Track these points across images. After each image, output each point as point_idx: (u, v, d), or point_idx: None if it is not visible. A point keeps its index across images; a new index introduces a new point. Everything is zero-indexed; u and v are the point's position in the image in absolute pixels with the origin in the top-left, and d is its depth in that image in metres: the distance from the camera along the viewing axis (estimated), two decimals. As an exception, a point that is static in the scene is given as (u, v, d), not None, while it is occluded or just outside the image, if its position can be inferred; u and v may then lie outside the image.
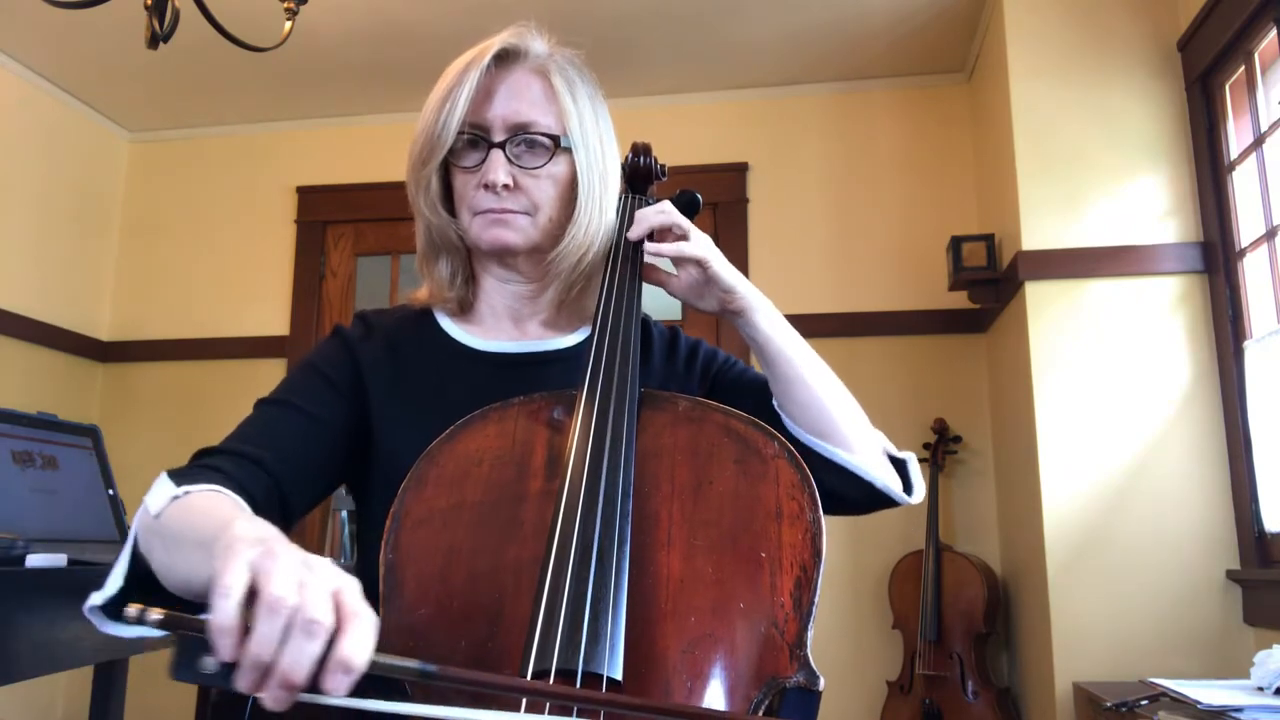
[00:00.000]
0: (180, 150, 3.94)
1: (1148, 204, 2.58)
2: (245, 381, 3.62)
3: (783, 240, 3.45)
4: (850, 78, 3.48)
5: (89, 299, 3.76)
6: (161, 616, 0.57)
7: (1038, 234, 2.62)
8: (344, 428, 1.01)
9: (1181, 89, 2.60)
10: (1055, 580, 2.45)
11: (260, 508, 0.89)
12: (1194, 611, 2.35)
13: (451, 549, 0.81)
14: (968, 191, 3.37)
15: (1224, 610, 2.34)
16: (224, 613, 0.57)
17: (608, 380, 0.92)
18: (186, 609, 0.80)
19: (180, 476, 0.85)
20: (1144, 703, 1.81)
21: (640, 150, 1.20)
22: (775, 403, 1.05)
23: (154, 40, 2.13)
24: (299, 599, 0.57)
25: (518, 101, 1.02)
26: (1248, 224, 2.36)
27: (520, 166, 1.02)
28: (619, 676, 0.70)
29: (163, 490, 0.83)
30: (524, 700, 0.66)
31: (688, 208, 1.17)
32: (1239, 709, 1.59)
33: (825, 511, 1.03)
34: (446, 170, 1.06)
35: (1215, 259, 2.45)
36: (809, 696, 0.75)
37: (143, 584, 0.82)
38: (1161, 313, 2.51)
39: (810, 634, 0.76)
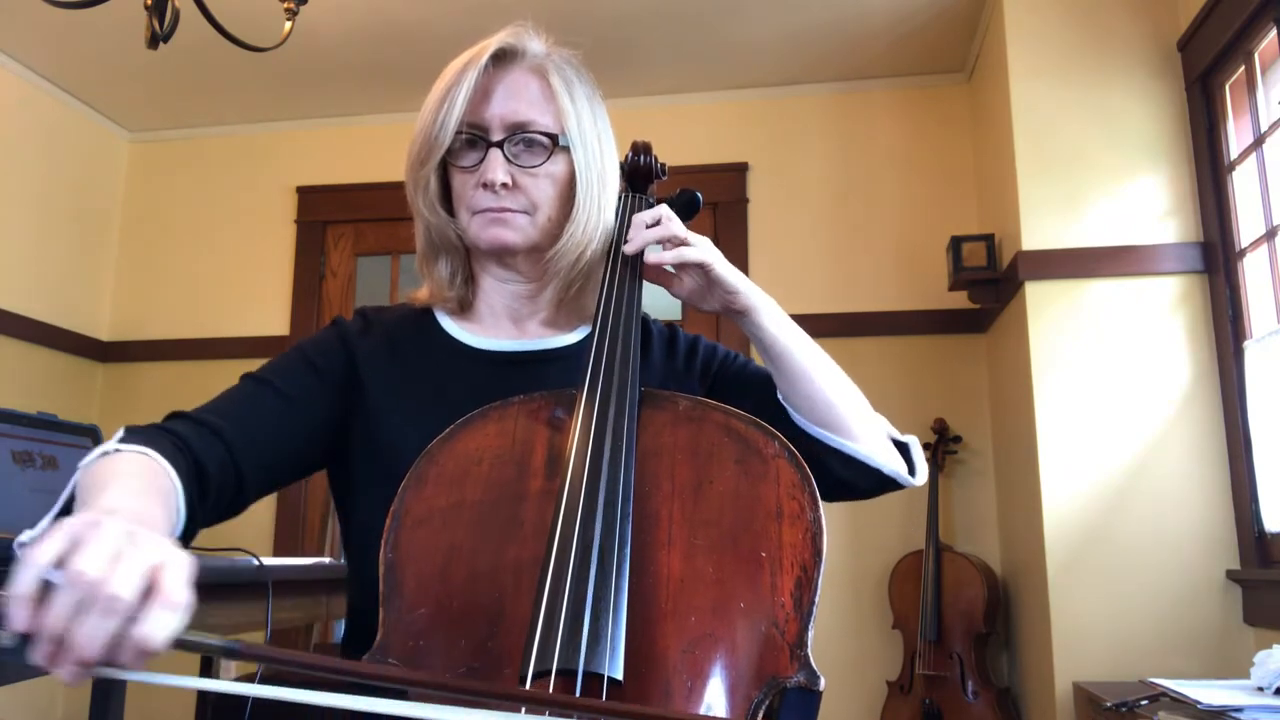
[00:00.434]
0: (180, 150, 3.94)
1: (1148, 204, 2.58)
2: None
3: (783, 240, 3.45)
4: (850, 78, 3.48)
5: (89, 299, 3.76)
6: None
7: (1038, 234, 2.62)
8: (322, 416, 1.01)
9: (1181, 89, 2.60)
10: (1055, 580, 2.45)
11: (211, 480, 0.90)
12: (1194, 611, 2.35)
13: (451, 548, 0.80)
14: (968, 191, 3.37)
15: (1224, 610, 2.34)
16: (21, 582, 0.56)
17: (608, 379, 0.92)
18: None
19: (131, 434, 0.86)
20: (1144, 703, 1.81)
21: (640, 149, 1.20)
22: (780, 396, 1.05)
23: (154, 40, 2.13)
24: (103, 574, 0.56)
25: (515, 101, 1.03)
26: (1248, 224, 2.36)
27: (518, 165, 1.02)
28: (620, 677, 0.70)
29: (106, 444, 0.84)
30: (523, 704, 0.66)
31: (687, 207, 1.17)
32: (1239, 709, 1.59)
33: (833, 498, 1.04)
34: (445, 170, 1.06)
35: (1215, 259, 2.45)
36: (809, 696, 0.75)
37: None
38: (1161, 313, 2.51)
39: (811, 634, 0.76)
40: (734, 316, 1.05)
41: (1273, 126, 2.22)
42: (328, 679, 0.61)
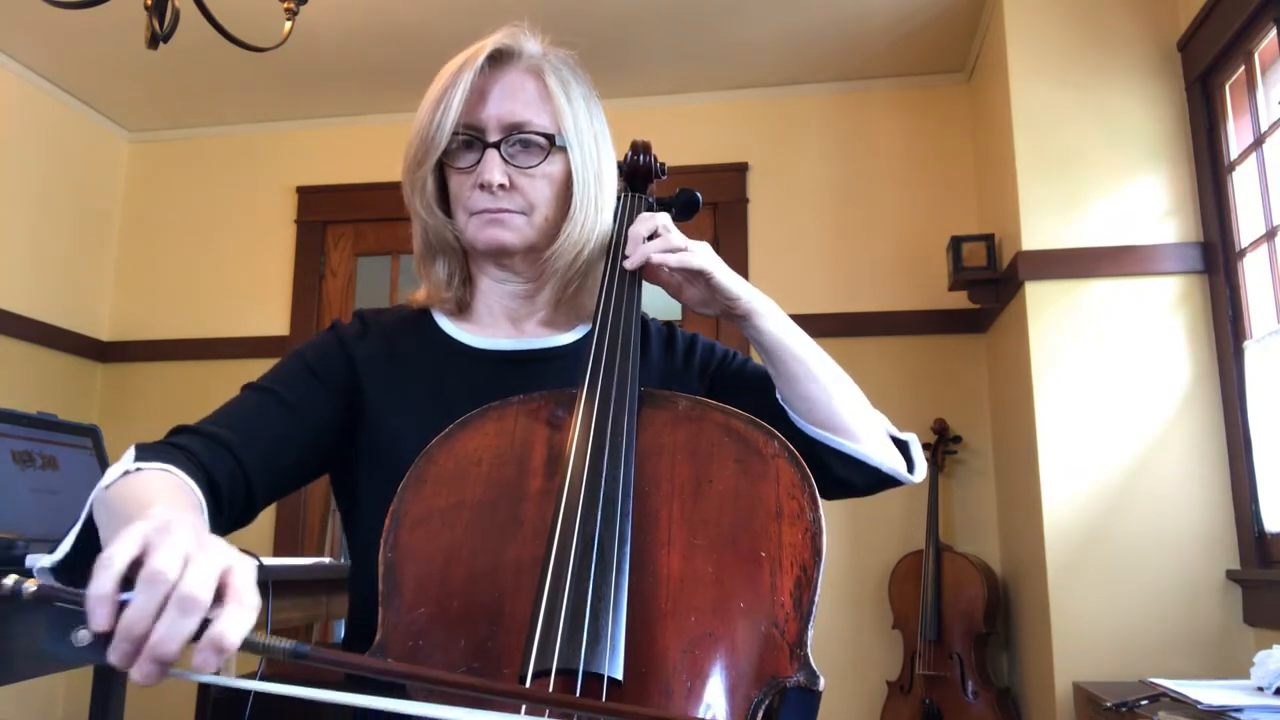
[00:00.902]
0: (180, 150, 3.94)
1: (1148, 204, 2.58)
2: (245, 382, 3.61)
3: (783, 240, 3.45)
4: (850, 78, 3.48)
5: (89, 299, 3.76)
6: (36, 588, 0.57)
7: (1038, 234, 2.62)
8: (325, 421, 1.01)
9: (1181, 89, 2.60)
10: (1055, 580, 2.45)
11: (223, 491, 0.90)
12: (1194, 611, 2.35)
13: (451, 548, 0.80)
14: (968, 191, 3.37)
15: (1224, 610, 2.34)
16: (102, 583, 0.57)
17: (607, 379, 0.92)
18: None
19: (144, 451, 0.86)
20: (1144, 703, 1.81)
21: (640, 148, 1.20)
22: (779, 397, 1.05)
23: (154, 40, 2.13)
24: (180, 574, 0.57)
25: (512, 101, 1.03)
26: (1248, 224, 2.36)
27: (515, 166, 1.02)
28: (620, 676, 0.70)
29: (121, 464, 0.84)
30: (523, 705, 0.66)
31: (687, 206, 1.17)
32: (1239, 709, 1.59)
33: (833, 496, 1.04)
34: (442, 171, 1.06)
35: (1215, 259, 2.45)
36: (809, 696, 0.75)
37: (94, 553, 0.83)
38: (1161, 313, 2.51)
39: (810, 634, 0.76)
40: (734, 320, 1.05)
41: (1273, 126, 2.22)
42: (366, 677, 0.62)
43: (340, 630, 2.75)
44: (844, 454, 1.03)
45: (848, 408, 1.04)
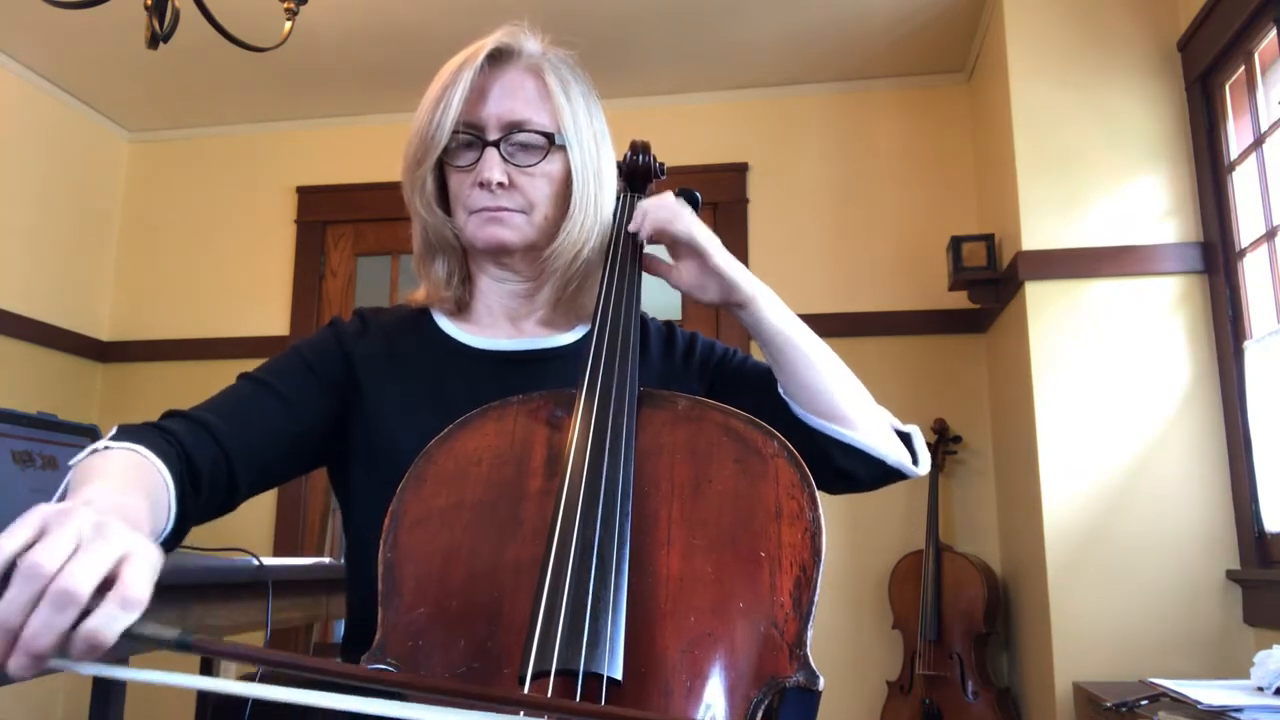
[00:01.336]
0: (180, 150, 3.94)
1: (1148, 204, 2.58)
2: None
3: (783, 240, 3.45)
4: (850, 78, 3.48)
5: (89, 299, 3.76)
6: None
7: (1038, 234, 2.62)
8: (318, 416, 1.01)
9: (1181, 89, 2.60)
10: (1055, 580, 2.45)
11: (204, 476, 0.90)
12: (1194, 611, 2.35)
13: (450, 548, 0.80)
14: (968, 191, 3.37)
15: (1224, 610, 2.34)
16: None
17: (607, 378, 0.92)
18: None
19: (123, 432, 0.86)
20: (1144, 703, 1.81)
21: (639, 148, 1.20)
22: (780, 388, 1.05)
23: (154, 40, 2.13)
24: (59, 566, 0.55)
25: (511, 100, 1.03)
26: (1248, 224, 2.36)
27: (515, 165, 1.02)
28: (619, 676, 0.69)
29: (97, 443, 0.84)
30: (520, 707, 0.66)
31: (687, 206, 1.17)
32: (1239, 709, 1.59)
33: (836, 490, 1.04)
34: (441, 171, 1.06)
35: (1215, 259, 2.45)
36: (809, 696, 0.75)
37: None
38: (1161, 313, 2.51)
39: (810, 634, 0.76)
40: (733, 309, 1.05)
41: (1273, 126, 2.22)
42: (316, 679, 0.60)
43: (340, 630, 2.75)
44: (846, 444, 1.03)
45: (849, 398, 1.04)
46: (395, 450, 0.97)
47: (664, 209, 1.03)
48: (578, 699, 0.67)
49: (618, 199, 1.13)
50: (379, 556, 0.81)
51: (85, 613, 0.56)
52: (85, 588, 0.55)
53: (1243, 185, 2.38)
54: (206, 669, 2.60)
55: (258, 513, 3.51)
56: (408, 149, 1.05)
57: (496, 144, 1.02)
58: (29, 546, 0.56)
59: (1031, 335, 2.58)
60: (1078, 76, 2.68)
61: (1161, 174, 2.58)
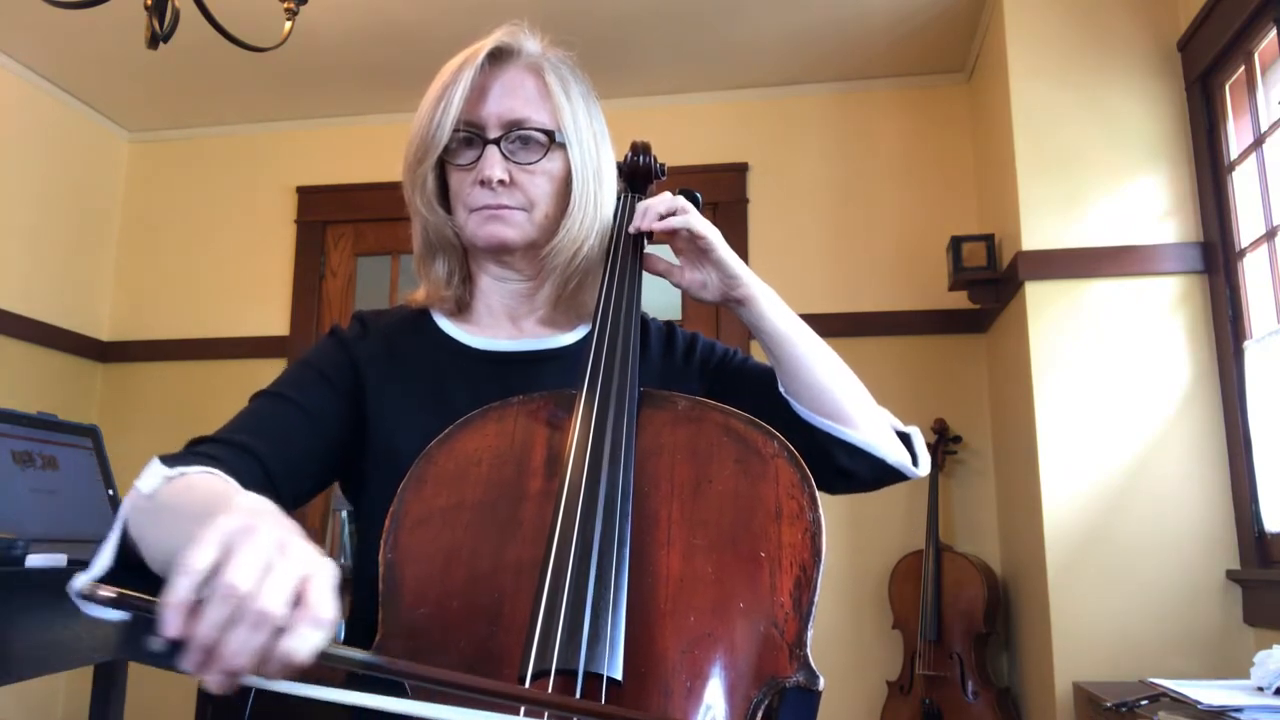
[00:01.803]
0: (180, 150, 3.94)
1: (1148, 204, 2.58)
2: (245, 381, 3.60)
3: (783, 240, 3.45)
4: (850, 78, 3.48)
5: (89, 299, 3.76)
6: (113, 594, 0.56)
7: (1038, 234, 2.62)
8: (338, 424, 1.01)
9: (1181, 89, 2.60)
10: (1055, 580, 2.45)
11: None
12: (1194, 611, 2.35)
13: (451, 549, 0.80)
14: (968, 191, 3.37)
15: (1224, 610, 2.34)
16: (178, 590, 0.56)
17: (607, 379, 0.92)
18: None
19: (173, 461, 0.85)
20: (1144, 703, 1.81)
21: (639, 149, 1.21)
22: (781, 388, 1.05)
23: (154, 40, 2.13)
24: (254, 587, 0.56)
25: (512, 99, 1.03)
26: (1248, 224, 2.36)
27: (515, 162, 1.03)
28: (619, 676, 0.70)
29: (155, 473, 0.82)
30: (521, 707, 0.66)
31: (686, 207, 1.17)
32: (1239, 709, 1.59)
33: (837, 490, 1.04)
34: (442, 170, 1.06)
35: (1215, 259, 2.45)
36: (809, 696, 0.75)
37: (131, 569, 0.81)
38: (1161, 313, 2.51)
39: (810, 634, 0.76)
40: (734, 306, 1.05)
41: (1273, 126, 2.22)
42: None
43: (340, 631, 2.75)
44: (847, 443, 1.03)
45: (850, 397, 1.04)
46: (396, 451, 0.97)
47: (669, 201, 1.04)
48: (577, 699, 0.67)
49: (618, 199, 1.13)
50: (379, 557, 0.81)
51: (279, 632, 0.57)
52: (282, 609, 0.57)
53: (1243, 185, 2.38)
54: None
55: (258, 513, 3.50)
56: (408, 148, 1.05)
57: (497, 142, 1.02)
58: (217, 565, 0.57)
59: (1031, 335, 2.58)
60: (1078, 76, 2.68)
61: (1161, 174, 2.58)
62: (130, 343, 3.79)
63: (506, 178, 1.02)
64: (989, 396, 3.22)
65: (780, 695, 0.75)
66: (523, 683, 0.69)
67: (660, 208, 1.03)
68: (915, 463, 1.08)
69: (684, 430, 0.89)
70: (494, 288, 1.10)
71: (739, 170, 3.51)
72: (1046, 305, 2.59)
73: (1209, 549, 2.37)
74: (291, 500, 0.97)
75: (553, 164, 1.04)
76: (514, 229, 1.03)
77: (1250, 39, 2.27)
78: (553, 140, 1.03)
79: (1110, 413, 2.48)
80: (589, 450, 0.84)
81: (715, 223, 3.85)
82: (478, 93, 1.03)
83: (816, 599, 0.78)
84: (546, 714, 0.66)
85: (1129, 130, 2.61)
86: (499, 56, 1.05)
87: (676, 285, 1.07)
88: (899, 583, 2.99)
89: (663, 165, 1.21)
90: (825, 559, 0.80)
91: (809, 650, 0.76)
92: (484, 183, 1.02)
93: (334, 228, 3.76)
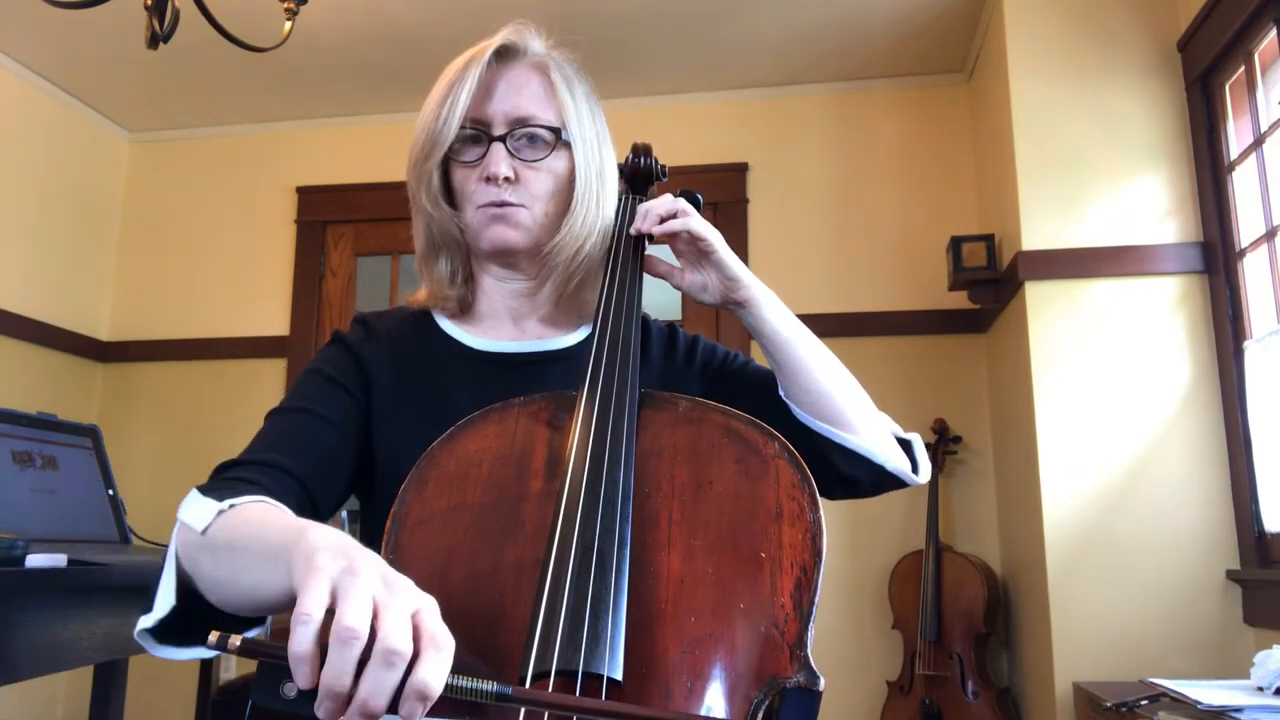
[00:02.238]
0: (180, 150, 3.94)
1: (1148, 204, 2.58)
2: (245, 382, 3.62)
3: (783, 240, 3.45)
4: (850, 78, 3.48)
5: (89, 299, 3.76)
6: (240, 644, 0.57)
7: (1038, 234, 2.62)
8: (357, 428, 1.01)
9: (1181, 89, 2.60)
10: (1055, 580, 2.45)
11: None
12: (1194, 611, 2.35)
13: (451, 550, 0.80)
14: (968, 191, 3.37)
15: (1224, 610, 2.34)
16: (301, 641, 0.56)
17: (608, 381, 0.92)
18: (236, 625, 0.80)
19: (214, 492, 0.83)
20: (1144, 703, 1.81)
21: (641, 151, 1.21)
22: (781, 392, 1.05)
23: (154, 40, 2.13)
24: (376, 627, 0.56)
25: (518, 96, 1.03)
26: (1248, 224, 2.36)
27: (521, 159, 1.03)
28: (619, 677, 0.70)
29: (202, 506, 0.80)
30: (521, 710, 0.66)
31: (688, 207, 1.17)
32: (1239, 709, 1.59)
33: (836, 496, 1.04)
34: (447, 168, 1.07)
35: (1215, 259, 2.45)
36: (809, 697, 0.75)
37: (188, 604, 0.81)
38: (1161, 313, 2.51)
39: (811, 634, 0.76)
40: (735, 309, 1.05)
41: (1273, 126, 2.22)
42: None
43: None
44: (847, 449, 1.03)
45: (850, 402, 1.04)
46: (398, 453, 0.97)
47: (670, 203, 1.04)
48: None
49: (619, 201, 1.13)
50: (380, 557, 0.81)
51: (409, 667, 0.57)
52: (407, 643, 0.57)
53: (1243, 185, 2.38)
54: (205, 674, 2.60)
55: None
56: (414, 145, 1.05)
57: (503, 139, 1.02)
58: (332, 609, 0.57)
59: (1031, 335, 2.58)
60: (1078, 76, 2.68)
61: (1161, 174, 2.58)
62: (130, 343, 3.79)
63: (512, 174, 1.02)
64: (989, 397, 3.22)
65: (781, 695, 0.75)
66: (523, 683, 0.69)
67: (660, 210, 1.03)
68: (915, 470, 1.08)
69: (684, 431, 0.89)
70: (496, 288, 1.10)
71: (739, 170, 3.51)
72: (1046, 305, 2.59)
73: (1209, 549, 2.37)
74: (329, 511, 0.97)
75: (558, 162, 1.04)
76: (519, 232, 1.03)
77: (1250, 39, 2.27)
78: (558, 138, 1.04)
79: (1110, 413, 2.48)
80: (590, 451, 0.84)
81: (715, 223, 3.86)
82: (484, 90, 1.03)
83: (817, 599, 0.78)
84: (546, 714, 0.66)
85: (1129, 130, 2.62)
86: (505, 55, 1.05)
87: (677, 287, 1.07)
88: (899, 583, 2.99)
89: (664, 167, 1.21)
90: (826, 559, 0.80)
91: (809, 650, 0.76)
92: (490, 179, 1.02)
93: (334, 228, 3.77)
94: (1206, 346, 2.46)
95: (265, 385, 3.58)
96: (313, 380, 1.03)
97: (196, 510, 0.80)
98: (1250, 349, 2.34)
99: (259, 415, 1.01)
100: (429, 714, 0.59)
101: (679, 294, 1.08)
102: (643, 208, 1.05)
